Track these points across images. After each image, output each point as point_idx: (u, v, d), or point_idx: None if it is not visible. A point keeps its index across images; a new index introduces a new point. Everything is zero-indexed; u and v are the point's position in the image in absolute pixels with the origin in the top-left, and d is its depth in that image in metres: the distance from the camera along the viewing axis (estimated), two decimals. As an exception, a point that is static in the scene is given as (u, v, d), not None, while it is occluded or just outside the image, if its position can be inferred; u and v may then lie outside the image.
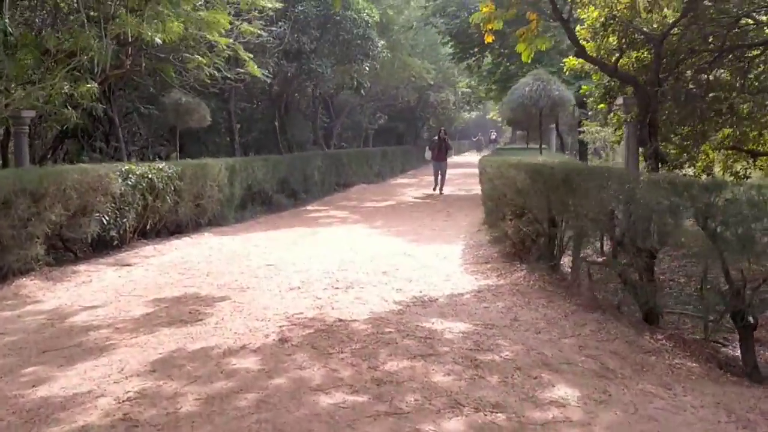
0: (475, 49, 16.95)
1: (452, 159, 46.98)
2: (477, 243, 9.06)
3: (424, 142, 37.63)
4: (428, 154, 17.50)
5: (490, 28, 7.92)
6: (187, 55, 10.40)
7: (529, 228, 7.10)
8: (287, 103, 17.24)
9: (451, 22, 16.60)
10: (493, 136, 46.01)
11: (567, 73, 10.65)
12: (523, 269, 6.80)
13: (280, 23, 13.70)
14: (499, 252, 7.94)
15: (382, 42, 16.27)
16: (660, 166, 7.81)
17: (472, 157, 47.37)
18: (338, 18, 14.20)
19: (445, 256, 8.16)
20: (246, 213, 12.31)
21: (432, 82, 25.26)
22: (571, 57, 10.29)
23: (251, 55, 11.23)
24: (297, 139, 18.13)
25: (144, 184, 8.59)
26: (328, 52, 14.84)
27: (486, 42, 8.37)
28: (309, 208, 14.90)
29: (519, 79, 16.76)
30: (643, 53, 8.34)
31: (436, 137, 17.43)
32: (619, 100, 8.23)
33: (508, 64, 16.24)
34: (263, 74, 12.24)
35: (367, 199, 16.73)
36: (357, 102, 26.42)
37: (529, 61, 8.42)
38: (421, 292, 6.21)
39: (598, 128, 12.38)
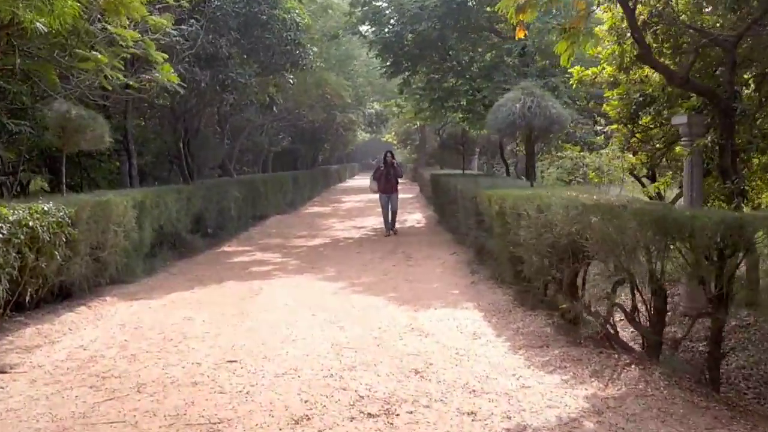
0: (409, 63, 14.95)
1: (347, 184, 45.09)
2: (494, 305, 6.88)
3: (320, 166, 35.35)
4: (373, 185, 13.84)
5: (522, 19, 5.85)
6: (81, 51, 7.50)
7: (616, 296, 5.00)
8: (192, 121, 14.37)
9: (382, 31, 14.49)
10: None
11: (575, 86, 8.83)
12: (626, 363, 4.67)
13: (191, 21, 10.97)
14: (555, 328, 5.77)
15: (315, 49, 13.89)
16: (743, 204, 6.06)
17: (365, 181, 45.69)
18: (264, 18, 11.66)
19: (473, 332, 5.90)
20: (156, 261, 9.44)
21: (349, 101, 23.09)
22: (577, 67, 8.50)
23: (165, 56, 8.48)
24: (200, 164, 15.21)
25: (22, 237, 5.69)
26: (248, 59, 12.22)
27: (517, 37, 6.26)
28: (227, 249, 12.13)
29: (463, 99, 15.09)
30: (703, 60, 6.63)
31: (381, 163, 13.78)
32: (680, 119, 6.43)
33: (455, 80, 14.41)
34: (175, 84, 9.48)
35: (292, 235, 14.16)
36: (259, 121, 23.74)
37: (569, 65, 6.42)
38: (508, 416, 3.93)
39: (582, 153, 10.72)
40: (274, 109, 17.06)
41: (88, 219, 6.99)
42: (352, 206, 22.80)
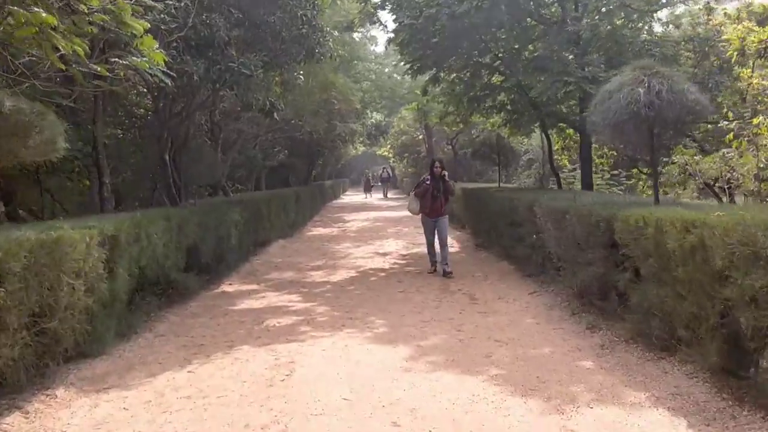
0: (441, 56, 12.36)
1: (342, 200, 42.53)
2: (685, 398, 4.27)
3: (313, 182, 32.83)
4: (414, 205, 10.34)
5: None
6: (23, 11, 4.86)
7: None
8: (180, 128, 11.73)
9: (408, 16, 11.89)
10: (386, 174, 42.07)
11: (734, 57, 6.32)
12: None
13: (180, -4, 8.37)
14: None
15: (335, 33, 11.32)
16: None
17: (358, 197, 42.95)
18: (273, -7, 9.06)
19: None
20: (136, 318, 6.73)
21: (358, 106, 20.53)
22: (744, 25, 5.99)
23: (145, 24, 5.83)
24: (188, 182, 12.46)
25: None
26: (252, 45, 9.59)
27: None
28: (229, 288, 9.45)
29: (506, 97, 12.57)
30: None
31: (427, 176, 10.37)
32: None
33: (495, 76, 11.91)
34: (161, 70, 6.83)
35: (305, 267, 11.49)
36: (253, 132, 21.11)
37: None
38: None
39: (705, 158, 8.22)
40: (275, 116, 14.40)
41: (24, 270, 4.32)
42: (361, 226, 20.16)
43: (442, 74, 13.23)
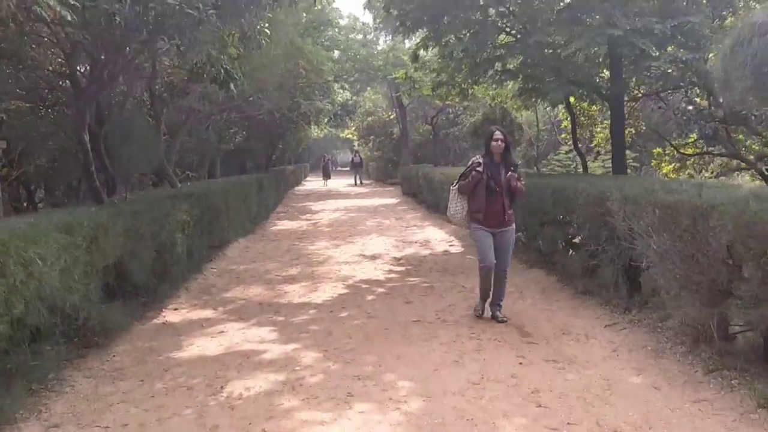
0: (436, 12, 9.85)
1: (304, 187, 39.28)
2: None
3: (274, 167, 30.11)
4: (457, 210, 6.39)
5: None
6: None
7: None
8: (105, 101, 9.00)
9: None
10: (358, 158, 38.20)
11: None
12: None
13: None
14: None
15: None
16: None
17: (318, 182, 39.29)
18: None
19: None
20: (12, 396, 4.10)
21: (330, 78, 17.85)
22: None
23: None
24: (126, 171, 9.64)
25: None
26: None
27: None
28: (173, 318, 6.80)
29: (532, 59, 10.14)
30: None
31: (478, 158, 6.33)
32: None
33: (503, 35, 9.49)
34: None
35: (277, 278, 8.89)
36: (205, 112, 18.27)
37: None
38: None
39: None
40: (232, 88, 11.71)
41: None
42: (333, 218, 17.55)
43: (438, 32, 10.65)
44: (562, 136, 16.72)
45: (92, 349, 5.48)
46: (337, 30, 20.22)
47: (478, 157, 6.40)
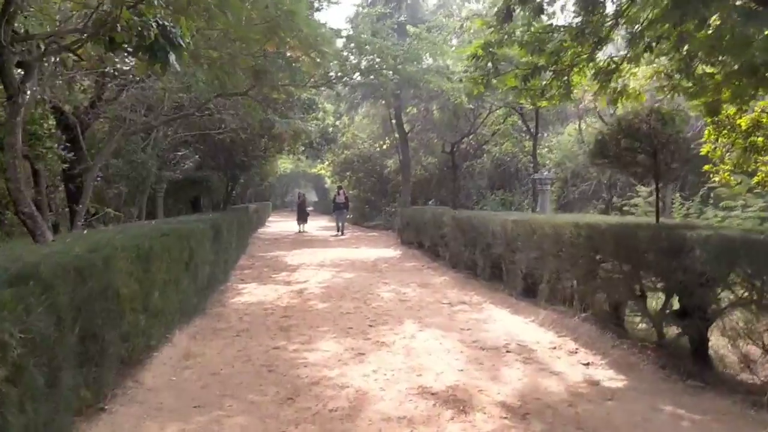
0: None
1: (269, 228, 32.78)
2: None
3: (232, 206, 24.51)
4: None
5: None
6: None
7: None
8: None
9: None
10: (343, 197, 25.37)
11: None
12: None
13: None
14: None
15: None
16: None
17: (287, 224, 32.35)
18: None
19: None
20: None
21: (332, 71, 12.58)
22: None
23: None
24: None
25: None
26: None
27: None
28: None
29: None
30: None
31: None
32: None
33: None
34: None
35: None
36: (141, 123, 12.76)
37: None
38: None
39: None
40: (173, 63, 6.34)
41: None
42: (324, 281, 11.97)
43: None
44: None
45: None
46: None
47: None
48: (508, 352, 6.38)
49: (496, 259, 10.50)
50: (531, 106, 12.86)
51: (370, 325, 7.74)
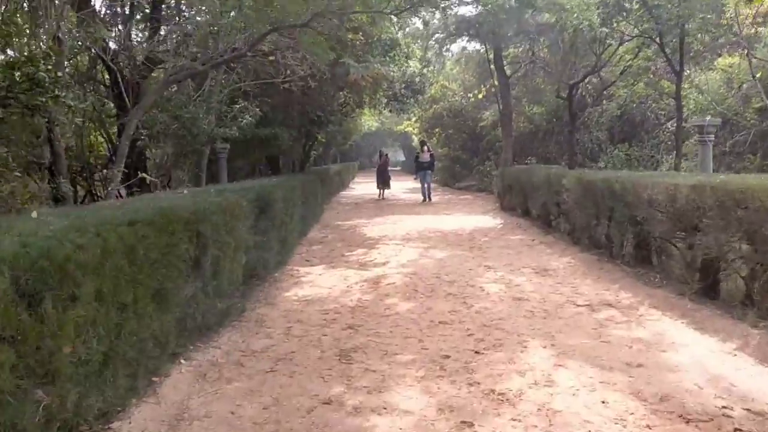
0: None
1: (352, 191, 30.42)
2: None
3: (312, 167, 22.19)
4: None
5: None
6: None
7: None
8: None
9: None
10: (428, 155, 21.19)
11: None
12: None
13: None
14: None
15: None
16: None
17: (370, 186, 28.89)
18: None
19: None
20: None
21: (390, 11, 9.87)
22: None
23: None
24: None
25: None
26: None
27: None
28: None
29: None
30: None
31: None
32: None
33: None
34: None
35: None
36: (185, 67, 10.47)
37: None
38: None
39: None
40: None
41: None
42: (409, 264, 9.32)
43: None
44: None
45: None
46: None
47: None
48: (737, 430, 3.53)
49: (645, 237, 7.54)
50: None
51: (477, 352, 5.04)
